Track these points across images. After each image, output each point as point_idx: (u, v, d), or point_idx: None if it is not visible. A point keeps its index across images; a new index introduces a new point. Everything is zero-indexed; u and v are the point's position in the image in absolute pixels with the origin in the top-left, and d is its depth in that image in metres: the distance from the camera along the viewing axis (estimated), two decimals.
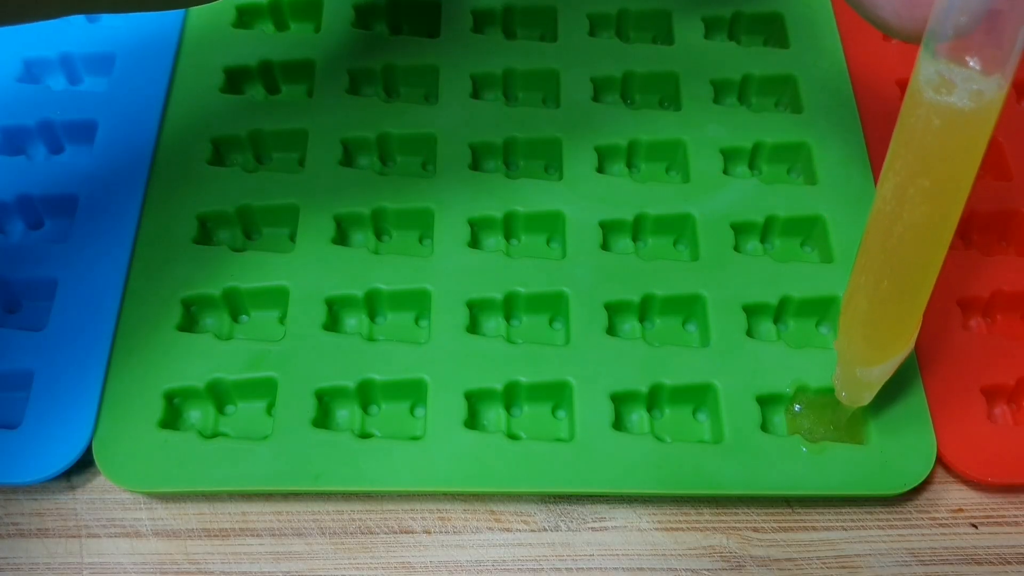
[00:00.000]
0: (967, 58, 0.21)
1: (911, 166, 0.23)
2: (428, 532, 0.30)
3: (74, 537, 0.29)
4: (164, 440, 0.29)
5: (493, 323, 0.33)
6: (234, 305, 0.33)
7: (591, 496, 0.30)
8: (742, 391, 0.31)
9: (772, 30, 0.40)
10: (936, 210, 0.23)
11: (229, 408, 0.31)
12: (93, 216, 0.33)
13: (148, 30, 0.38)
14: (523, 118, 0.36)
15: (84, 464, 0.30)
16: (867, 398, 0.29)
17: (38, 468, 0.29)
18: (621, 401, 0.31)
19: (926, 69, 0.21)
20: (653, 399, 0.31)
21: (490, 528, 0.30)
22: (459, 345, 0.31)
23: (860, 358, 0.27)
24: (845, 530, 0.30)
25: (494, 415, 0.31)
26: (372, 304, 0.33)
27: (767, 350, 0.32)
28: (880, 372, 0.27)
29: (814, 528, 0.30)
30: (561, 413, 0.31)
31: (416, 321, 0.33)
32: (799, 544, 0.30)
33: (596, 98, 0.38)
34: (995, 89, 0.21)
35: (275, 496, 0.30)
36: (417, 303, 0.33)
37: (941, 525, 0.30)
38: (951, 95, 0.21)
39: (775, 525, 0.30)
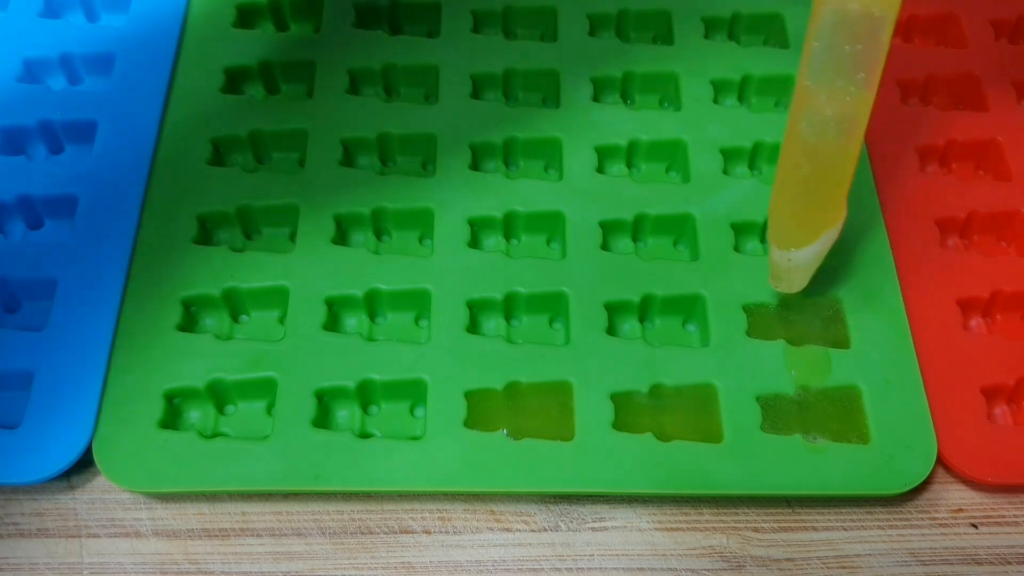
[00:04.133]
0: None
1: (820, 80, 0.26)
2: (428, 532, 0.30)
3: (74, 537, 0.29)
4: (164, 440, 0.29)
5: (493, 323, 0.33)
6: (234, 305, 0.33)
7: (591, 496, 0.30)
8: (742, 391, 0.31)
9: (772, 30, 0.40)
10: (844, 113, 0.26)
11: (229, 408, 0.31)
12: (93, 216, 0.33)
13: (148, 30, 0.38)
14: (523, 118, 0.36)
15: (84, 464, 0.30)
16: (800, 283, 0.30)
17: (38, 468, 0.29)
18: (621, 401, 0.31)
19: None
20: (653, 399, 0.31)
21: (490, 528, 0.30)
22: (459, 345, 0.31)
23: (791, 239, 0.29)
24: (845, 530, 0.30)
25: None
26: (372, 304, 0.33)
27: (767, 350, 0.32)
28: (809, 254, 0.29)
29: (814, 528, 0.30)
30: None
31: (416, 321, 0.33)
32: (799, 544, 0.30)
33: (596, 98, 0.38)
34: None
35: (275, 496, 0.30)
36: (417, 303, 0.33)
37: (941, 525, 0.30)
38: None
39: (775, 525, 0.30)
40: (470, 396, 0.30)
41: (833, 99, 0.26)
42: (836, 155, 0.27)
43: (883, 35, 0.24)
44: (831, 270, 0.33)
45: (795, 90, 0.26)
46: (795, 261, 0.29)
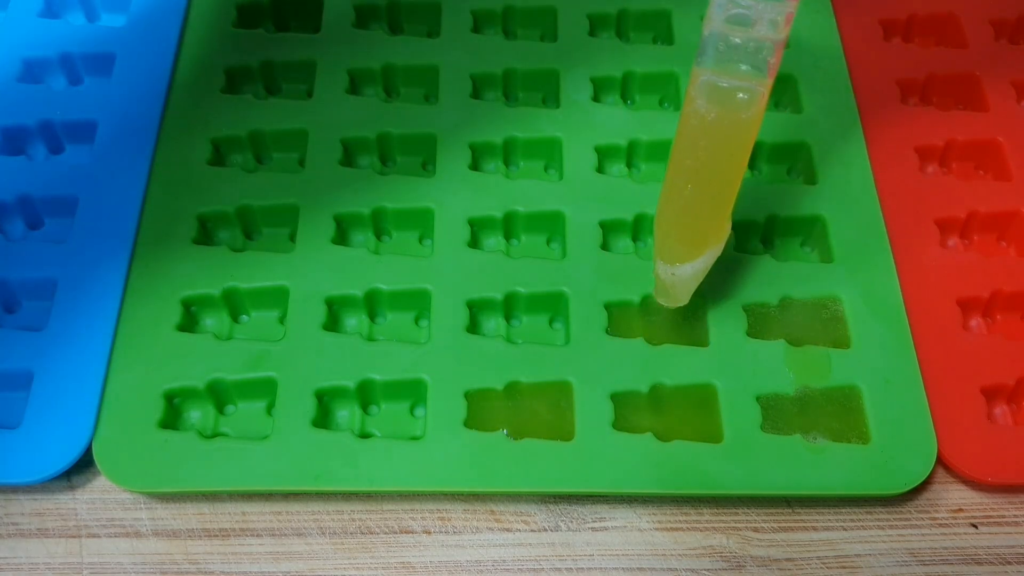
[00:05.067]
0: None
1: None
2: (428, 532, 0.30)
3: (74, 537, 0.29)
4: (164, 440, 0.29)
5: (493, 323, 0.33)
6: (234, 305, 0.33)
7: (591, 496, 0.30)
8: (742, 391, 0.31)
9: None
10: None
11: (229, 408, 0.31)
12: (93, 216, 0.33)
13: (148, 30, 0.38)
14: (523, 118, 0.36)
15: (84, 464, 0.30)
16: (683, 298, 0.30)
17: (38, 468, 0.29)
18: (621, 401, 0.31)
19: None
20: (653, 399, 0.31)
21: (490, 528, 0.30)
22: (459, 345, 0.31)
23: (676, 255, 0.29)
24: (845, 530, 0.30)
25: None
26: (372, 304, 0.33)
27: (767, 350, 0.32)
28: (692, 269, 0.29)
29: (814, 528, 0.30)
30: None
31: (416, 321, 0.33)
32: (799, 544, 0.30)
33: (596, 98, 0.38)
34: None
35: (275, 496, 0.30)
36: (417, 303, 0.33)
37: (941, 525, 0.30)
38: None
39: (775, 525, 0.30)
40: (470, 396, 0.30)
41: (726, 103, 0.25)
42: (721, 175, 0.27)
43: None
44: (831, 271, 0.33)
45: (684, 102, 0.26)
46: (679, 276, 0.29)
